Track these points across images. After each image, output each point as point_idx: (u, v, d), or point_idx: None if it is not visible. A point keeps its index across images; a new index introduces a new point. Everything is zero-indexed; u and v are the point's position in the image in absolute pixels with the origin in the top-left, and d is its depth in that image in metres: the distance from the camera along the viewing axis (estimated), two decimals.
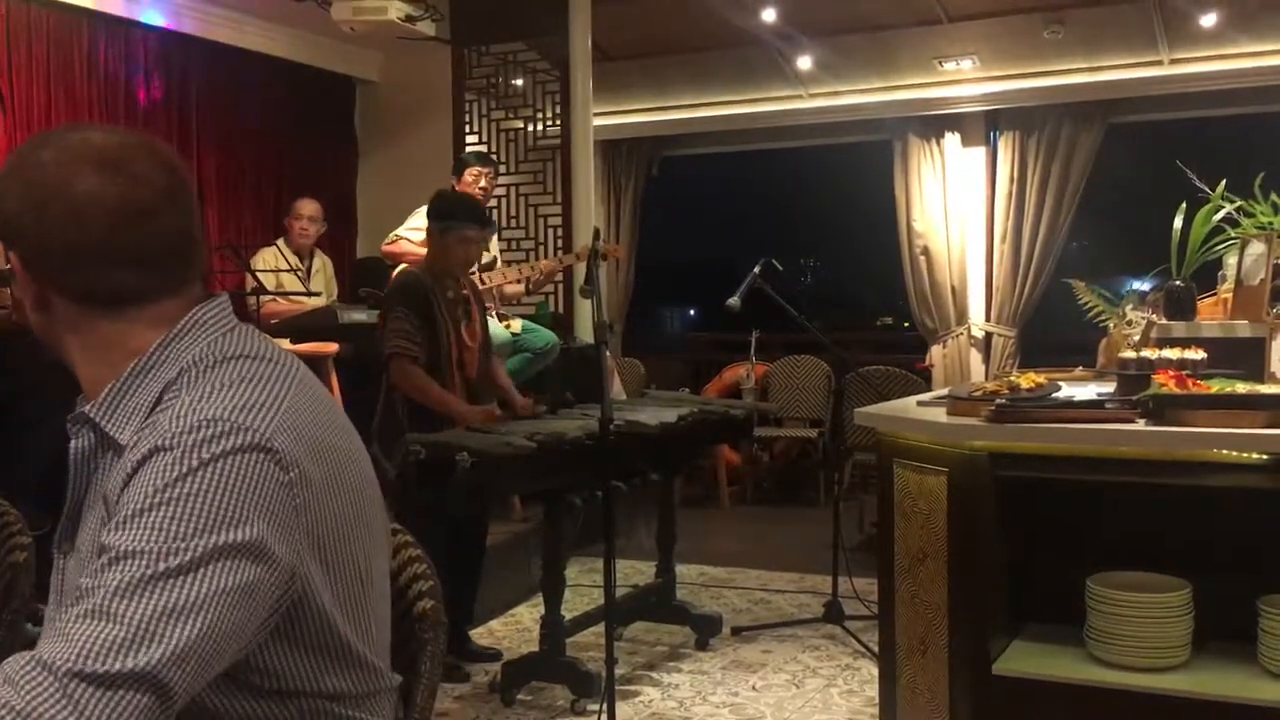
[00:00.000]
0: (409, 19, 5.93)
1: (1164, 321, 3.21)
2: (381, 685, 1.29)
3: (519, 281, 5.57)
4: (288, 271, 5.73)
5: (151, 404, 1.20)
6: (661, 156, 8.38)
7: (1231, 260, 3.35)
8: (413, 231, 5.01)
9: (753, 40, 6.94)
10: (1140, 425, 2.47)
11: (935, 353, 7.42)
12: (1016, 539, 2.78)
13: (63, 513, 1.28)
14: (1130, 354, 2.87)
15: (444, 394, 3.96)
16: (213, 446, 1.09)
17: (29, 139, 1.28)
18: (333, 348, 4.99)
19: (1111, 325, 3.49)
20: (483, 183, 5.18)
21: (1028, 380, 2.78)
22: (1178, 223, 3.30)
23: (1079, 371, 3.58)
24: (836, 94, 7.43)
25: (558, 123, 6.85)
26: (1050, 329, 7.38)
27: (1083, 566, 2.68)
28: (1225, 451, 2.40)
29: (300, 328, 5.10)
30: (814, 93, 7.49)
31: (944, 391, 3.30)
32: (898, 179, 7.51)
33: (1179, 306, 3.25)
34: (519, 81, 7.02)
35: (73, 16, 5.70)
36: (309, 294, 5.71)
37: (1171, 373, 2.60)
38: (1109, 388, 2.92)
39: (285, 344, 4.29)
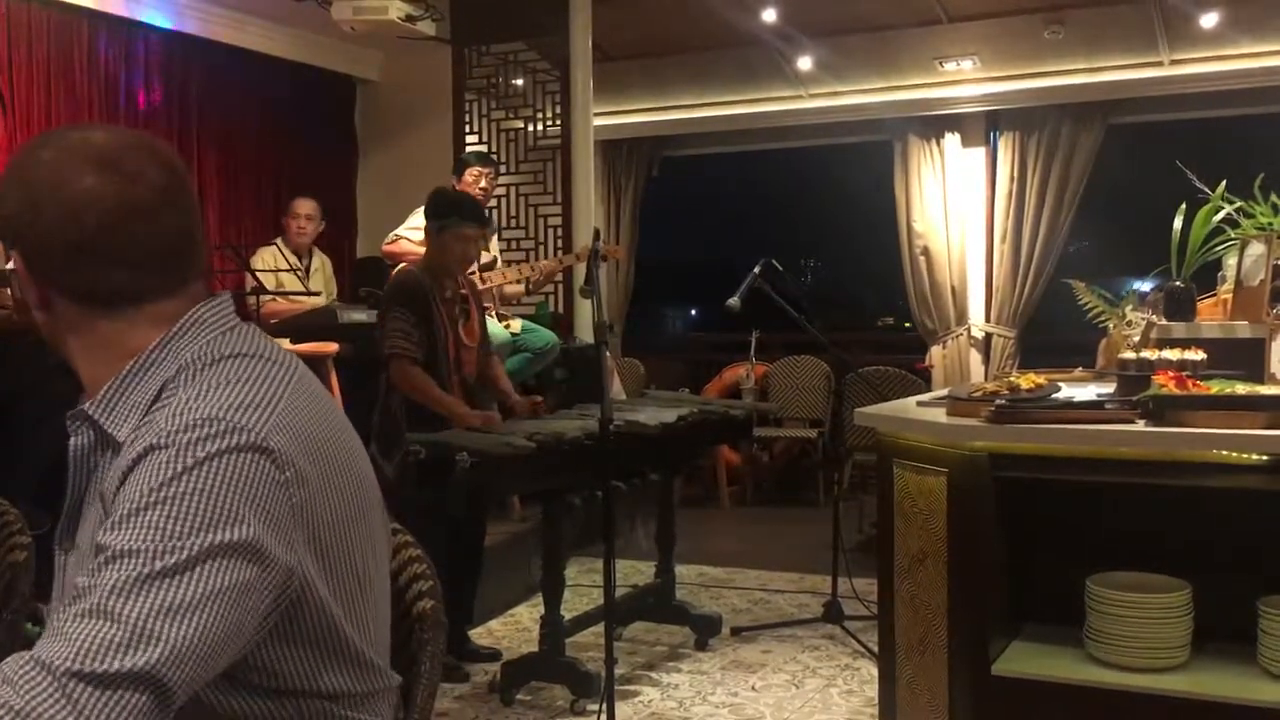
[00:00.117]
0: (409, 19, 5.93)
1: (1164, 322, 3.21)
2: (381, 685, 1.29)
3: (519, 281, 5.57)
4: (287, 271, 5.73)
5: (150, 402, 1.20)
6: (661, 156, 8.38)
7: (1231, 261, 3.35)
8: (413, 231, 5.01)
9: (753, 40, 6.94)
10: (1140, 426, 2.47)
11: (935, 353, 7.42)
12: (1016, 539, 2.78)
13: (63, 511, 1.28)
14: (1130, 355, 2.87)
15: (444, 395, 3.95)
16: (208, 446, 1.10)
17: (32, 138, 1.28)
18: (333, 347, 4.99)
19: (1111, 326, 3.49)
20: (483, 183, 5.19)
21: (1027, 381, 2.78)
22: (1178, 223, 3.30)
23: (1079, 372, 3.57)
24: (837, 94, 7.43)
25: (558, 123, 6.85)
26: (1050, 330, 7.37)
27: (1082, 567, 2.68)
28: (1225, 452, 2.40)
29: (300, 327, 5.10)
30: (814, 93, 7.49)
31: (944, 392, 3.30)
32: (898, 179, 7.51)
33: (1179, 307, 3.25)
34: (519, 81, 7.02)
35: (73, 16, 5.71)
36: (308, 293, 5.71)
37: (1171, 373, 2.59)
38: (1109, 388, 2.92)
39: (285, 344, 4.29)
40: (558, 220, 6.88)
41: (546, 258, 6.56)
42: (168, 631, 1.01)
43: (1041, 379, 2.81)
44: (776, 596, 5.17)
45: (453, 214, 4.04)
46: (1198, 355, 2.78)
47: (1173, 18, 6.27)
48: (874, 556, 3.03)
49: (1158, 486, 2.56)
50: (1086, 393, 2.84)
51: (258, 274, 5.36)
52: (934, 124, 7.33)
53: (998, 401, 2.59)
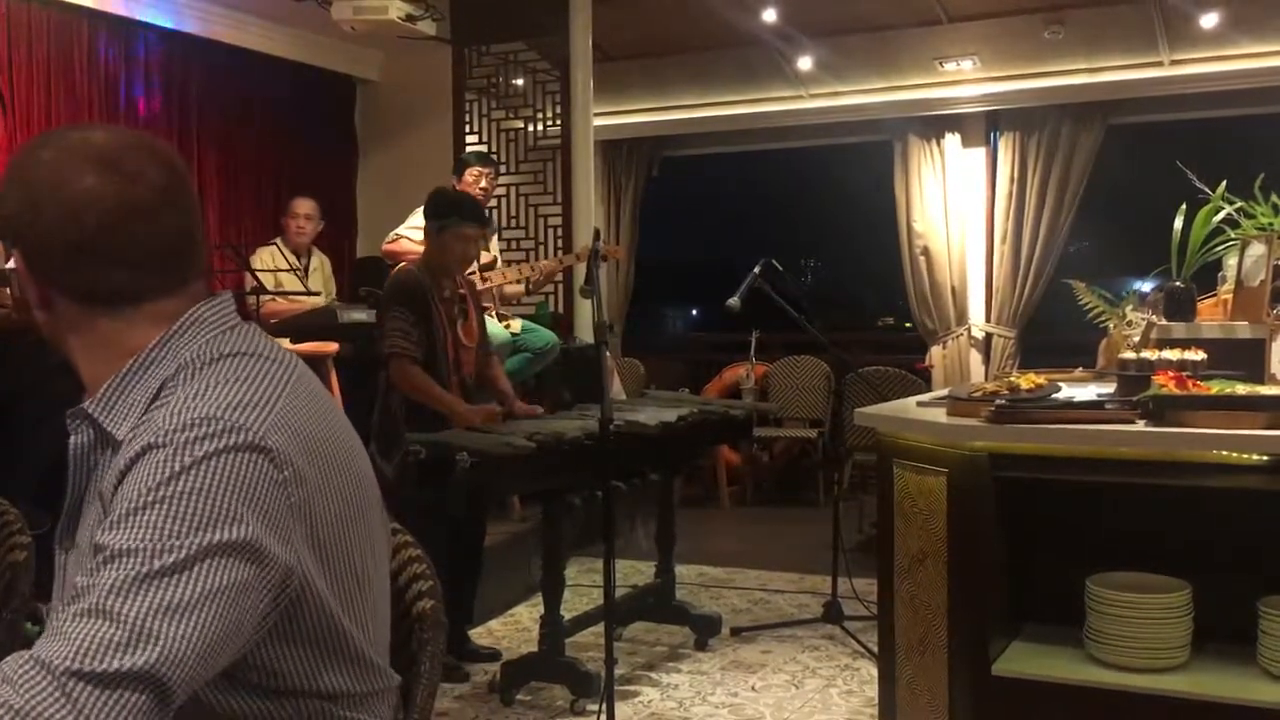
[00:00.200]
0: (409, 18, 5.93)
1: (1164, 322, 3.21)
2: (381, 685, 1.29)
3: (519, 281, 5.57)
4: (286, 271, 5.74)
5: (149, 400, 1.20)
6: (661, 156, 8.38)
7: (1231, 261, 3.35)
8: (413, 230, 5.01)
9: (753, 40, 6.93)
10: (1140, 426, 2.47)
11: (935, 353, 7.42)
12: (1016, 539, 2.78)
13: (63, 509, 1.28)
14: (1130, 355, 2.87)
15: (444, 393, 3.95)
16: (205, 445, 1.10)
17: (33, 138, 1.28)
18: (333, 347, 5.00)
19: (1111, 326, 3.49)
20: (483, 183, 5.19)
21: (1027, 381, 2.78)
22: (1178, 224, 3.30)
23: (1079, 372, 3.57)
24: (837, 94, 7.43)
25: (558, 123, 6.85)
26: (1050, 330, 7.37)
27: (1082, 567, 2.68)
28: (1225, 452, 2.40)
29: (300, 327, 5.11)
30: (814, 93, 7.48)
31: (944, 392, 3.30)
32: (898, 179, 7.51)
33: (1179, 307, 3.25)
34: (519, 81, 7.02)
35: (73, 16, 5.71)
36: (308, 293, 5.72)
37: (1171, 374, 2.60)
38: (1109, 388, 2.92)
39: (285, 343, 4.29)
40: (558, 220, 6.88)
41: (546, 258, 6.56)
42: (167, 631, 1.01)
43: (1041, 379, 2.81)
44: (776, 596, 5.17)
45: (453, 214, 4.04)
46: (1198, 355, 2.78)
47: (1173, 18, 6.27)
48: (874, 556, 3.03)
49: (1158, 486, 2.56)
50: (1086, 393, 2.84)
51: (257, 274, 5.36)
52: (934, 124, 7.33)
53: (998, 401, 2.59)
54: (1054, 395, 2.68)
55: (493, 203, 6.08)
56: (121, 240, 1.20)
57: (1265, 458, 2.38)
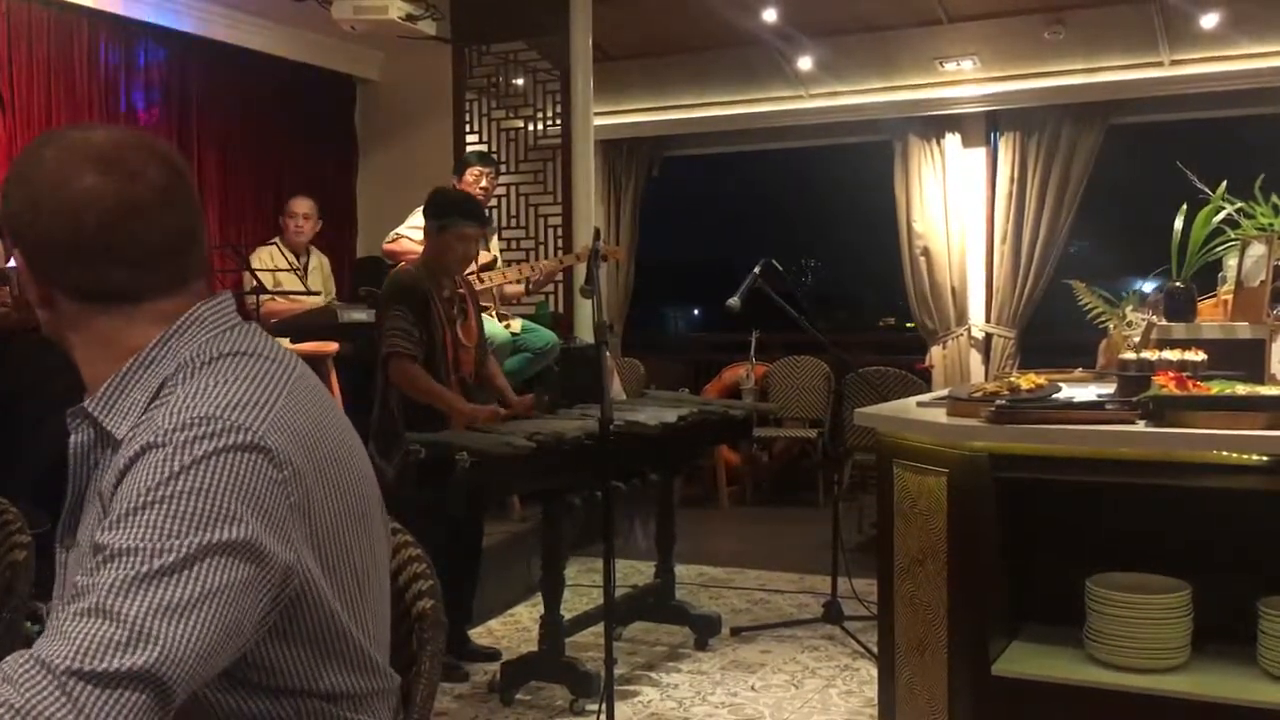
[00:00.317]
0: (409, 18, 5.93)
1: (1164, 323, 3.21)
2: (381, 685, 1.29)
3: (519, 281, 5.57)
4: (285, 271, 5.74)
5: (149, 399, 1.20)
6: (661, 156, 8.38)
7: (1232, 262, 3.35)
8: (413, 230, 5.01)
9: (753, 40, 6.93)
10: (1140, 426, 2.47)
11: (935, 353, 7.42)
12: (1016, 540, 2.78)
13: (64, 508, 1.28)
14: (1130, 355, 2.87)
15: (446, 391, 3.95)
16: (204, 445, 1.10)
17: (35, 138, 1.28)
18: (333, 347, 5.00)
19: (1111, 326, 3.49)
20: (484, 183, 5.19)
21: (1027, 381, 2.78)
22: (1178, 224, 3.30)
23: (1079, 373, 3.58)
24: (837, 94, 7.43)
25: (558, 123, 6.85)
26: (1050, 330, 7.37)
27: (1082, 567, 2.68)
28: (1225, 453, 2.40)
29: (300, 327, 5.11)
30: (814, 93, 7.48)
31: (944, 392, 3.30)
32: (898, 179, 7.51)
33: (1179, 308, 3.25)
34: (519, 81, 7.02)
35: (73, 16, 5.70)
36: (307, 292, 5.72)
37: (1171, 374, 2.60)
38: (1109, 389, 2.92)
39: (285, 343, 4.29)
40: (558, 220, 6.88)
41: (546, 258, 6.55)
42: (167, 630, 1.01)
43: (1041, 379, 2.81)
44: (776, 596, 5.17)
45: (453, 213, 4.03)
46: (1198, 356, 2.78)
47: (1173, 18, 6.27)
48: (874, 556, 3.03)
49: (1158, 487, 2.56)
50: (1086, 393, 2.84)
51: (257, 273, 5.36)
52: (934, 124, 7.33)
53: (998, 402, 2.59)
54: (1054, 395, 2.68)
55: (493, 203, 6.08)
56: (122, 239, 1.20)
57: (1265, 458, 2.38)
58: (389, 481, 3.56)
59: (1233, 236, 3.35)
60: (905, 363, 7.22)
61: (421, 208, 4.33)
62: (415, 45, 6.60)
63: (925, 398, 3.33)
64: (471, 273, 4.69)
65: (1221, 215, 3.31)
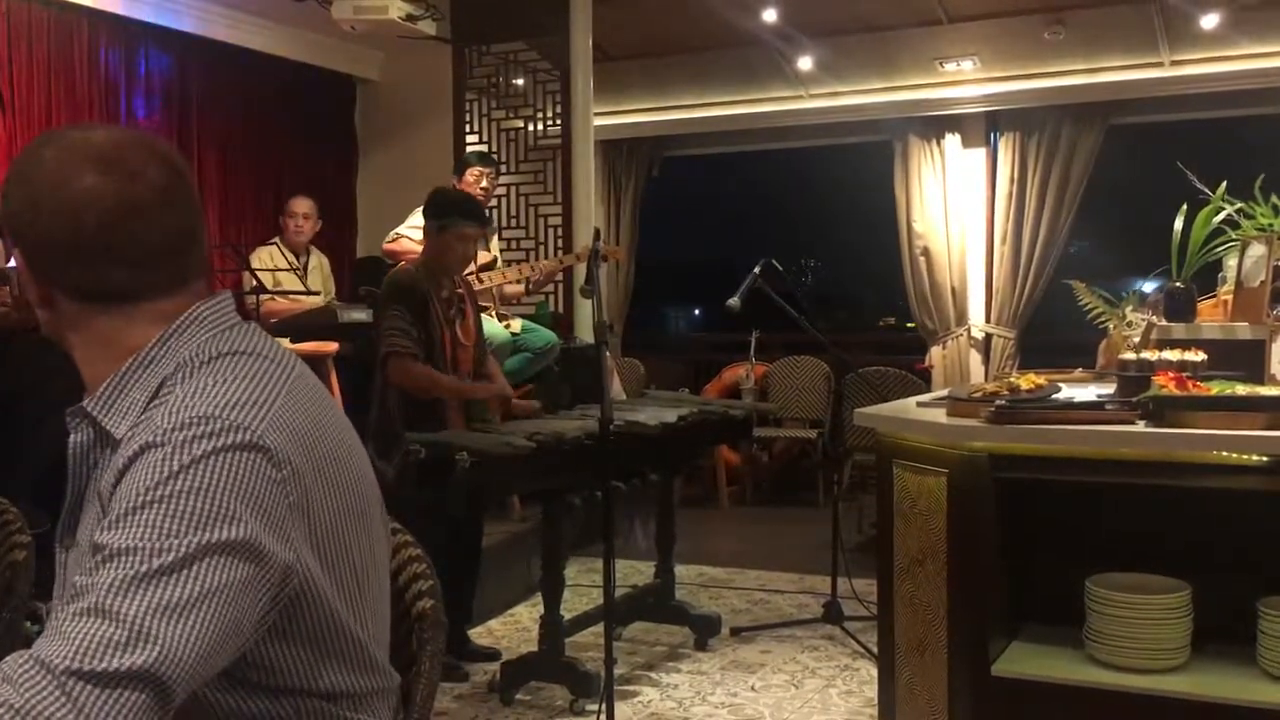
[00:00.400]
0: (410, 18, 5.93)
1: (1164, 323, 3.21)
2: (381, 684, 1.29)
3: (519, 281, 5.57)
4: (285, 270, 5.74)
5: (148, 399, 1.20)
6: (661, 156, 8.38)
7: (1232, 262, 3.35)
8: (413, 230, 5.01)
9: (753, 40, 6.93)
10: (1140, 427, 2.47)
11: (935, 353, 7.42)
12: (1016, 540, 2.78)
13: (63, 508, 1.28)
14: (1130, 355, 2.87)
15: (452, 379, 3.95)
16: (203, 444, 1.10)
17: (35, 138, 1.28)
18: (333, 347, 5.00)
19: (1111, 326, 3.49)
20: (484, 183, 5.19)
21: (1027, 381, 2.78)
22: (1178, 224, 3.30)
23: (1079, 373, 3.57)
24: (837, 94, 7.43)
25: (558, 123, 6.85)
26: (1050, 330, 7.38)
27: (1082, 567, 2.68)
28: (1225, 453, 2.40)
29: (300, 327, 5.11)
30: (814, 93, 7.48)
31: (944, 392, 3.30)
32: (898, 179, 7.51)
33: (1179, 308, 3.25)
34: (519, 81, 7.02)
35: (73, 16, 5.70)
36: (307, 292, 5.72)
37: (1171, 374, 2.60)
38: (1109, 389, 2.92)
39: (285, 343, 4.29)
40: (558, 220, 6.88)
41: (546, 258, 6.55)
42: (166, 630, 1.01)
43: (1041, 379, 2.81)
44: (776, 597, 5.17)
45: (453, 213, 4.03)
46: (1198, 356, 2.78)
47: (1173, 19, 6.27)
48: (874, 557, 3.03)
49: (1158, 487, 2.56)
50: (1086, 393, 2.84)
51: (257, 273, 5.36)
52: (934, 124, 7.33)
53: (998, 402, 2.59)
54: (1054, 396, 2.68)
55: (493, 203, 6.08)
56: (121, 239, 1.20)
57: (1265, 458, 2.38)
58: (388, 482, 3.56)
59: (1233, 237, 3.35)
60: (905, 363, 7.22)
61: (421, 208, 4.33)
62: (415, 45, 6.60)
63: (925, 398, 3.33)
64: (471, 273, 4.69)
65: (1221, 215, 3.32)
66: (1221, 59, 6.44)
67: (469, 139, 7.02)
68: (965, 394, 2.81)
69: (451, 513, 3.57)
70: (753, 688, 3.94)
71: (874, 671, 3.38)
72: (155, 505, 1.06)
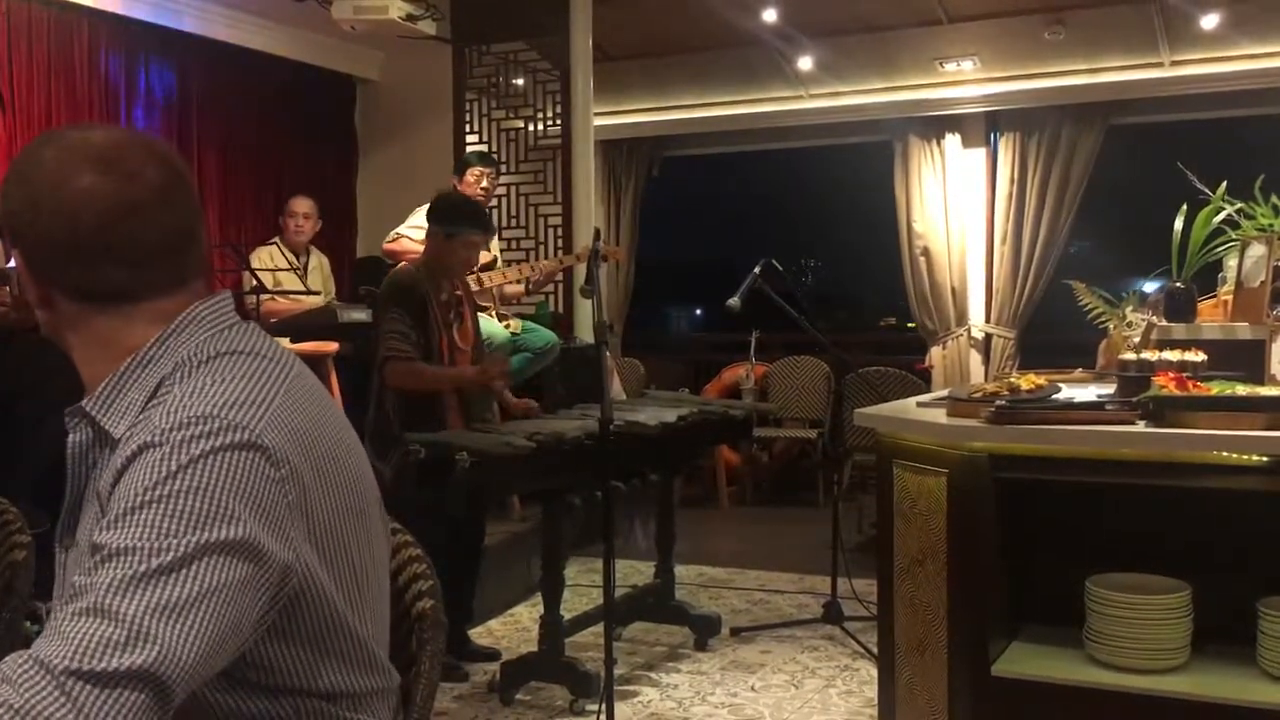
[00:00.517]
0: (410, 18, 5.93)
1: (1164, 323, 3.21)
2: (381, 683, 1.29)
3: (519, 281, 5.57)
4: (285, 270, 5.74)
5: (146, 399, 1.20)
6: (661, 156, 8.38)
7: (1232, 262, 3.35)
8: (414, 230, 5.01)
9: (753, 40, 6.93)
10: (1140, 427, 2.47)
11: (935, 354, 7.42)
12: (1016, 540, 2.78)
13: (63, 508, 1.28)
14: (1130, 356, 2.87)
15: (447, 370, 3.96)
16: (201, 444, 1.10)
17: (35, 138, 1.28)
18: (333, 347, 5.00)
19: (1111, 327, 3.49)
20: (484, 183, 5.19)
21: (1027, 382, 2.78)
22: (1178, 224, 3.30)
23: (1079, 373, 3.57)
24: (837, 94, 7.43)
25: (558, 123, 6.85)
26: (1050, 330, 7.37)
27: (1082, 568, 2.68)
28: (1225, 453, 2.40)
29: (300, 327, 5.11)
30: (814, 93, 7.48)
31: (944, 393, 3.30)
32: (898, 179, 7.51)
33: (1179, 308, 3.25)
34: (519, 81, 7.02)
35: (73, 16, 5.70)
36: (307, 292, 5.72)
37: (1171, 374, 2.60)
38: (1109, 389, 2.92)
39: (285, 343, 4.29)
40: (558, 220, 6.88)
41: (546, 258, 6.55)
42: (165, 630, 1.00)
43: (1041, 380, 2.81)
44: (776, 597, 5.17)
45: (463, 222, 4.02)
46: (1198, 356, 2.78)
47: (1173, 18, 6.27)
48: (874, 557, 3.03)
49: (1158, 487, 2.56)
50: (1086, 394, 2.84)
51: (256, 273, 5.36)
52: (934, 124, 7.33)
53: (998, 402, 2.59)
54: (1054, 396, 2.68)
55: (493, 203, 6.08)
56: (120, 239, 1.20)
57: (1265, 458, 2.38)
58: (387, 483, 3.56)
59: (1233, 237, 3.35)
60: (905, 363, 7.22)
61: (422, 208, 4.33)
62: (415, 45, 6.60)
63: (925, 398, 3.33)
64: (471, 273, 4.69)
65: (1221, 216, 3.32)
66: (1221, 59, 6.44)
67: (469, 139, 7.02)
68: (965, 394, 2.81)
69: (451, 513, 3.57)
70: (753, 688, 3.94)
71: (874, 672, 3.38)
72: (154, 505, 1.06)
